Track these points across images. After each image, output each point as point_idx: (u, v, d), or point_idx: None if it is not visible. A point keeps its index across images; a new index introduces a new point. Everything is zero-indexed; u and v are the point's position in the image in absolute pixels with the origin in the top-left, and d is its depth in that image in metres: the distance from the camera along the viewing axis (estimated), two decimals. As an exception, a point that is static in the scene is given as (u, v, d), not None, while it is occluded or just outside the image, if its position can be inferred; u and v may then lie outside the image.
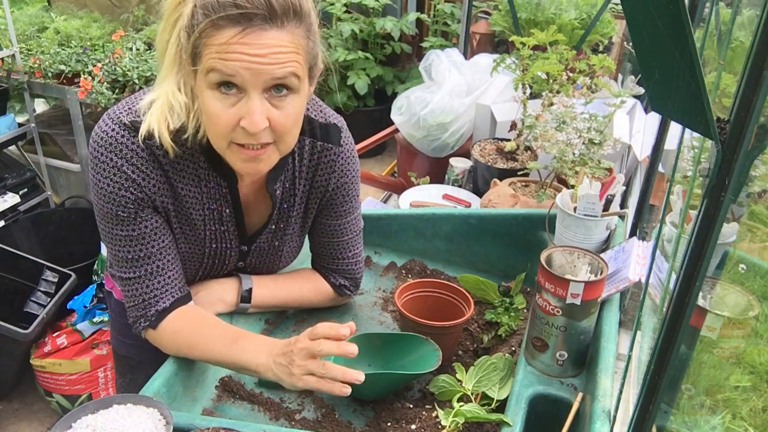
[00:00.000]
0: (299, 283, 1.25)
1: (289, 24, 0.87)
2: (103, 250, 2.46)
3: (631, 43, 2.51)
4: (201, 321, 1.07)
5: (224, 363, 1.05)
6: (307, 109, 1.10)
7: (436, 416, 1.02)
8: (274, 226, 1.16)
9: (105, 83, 2.61)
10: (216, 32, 0.85)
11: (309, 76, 0.96)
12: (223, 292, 1.18)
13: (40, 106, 3.52)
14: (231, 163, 0.98)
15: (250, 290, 1.19)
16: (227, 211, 1.09)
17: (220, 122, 0.90)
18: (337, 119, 1.15)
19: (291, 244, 1.21)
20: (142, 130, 0.96)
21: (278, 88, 0.90)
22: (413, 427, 1.02)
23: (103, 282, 2.41)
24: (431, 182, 1.95)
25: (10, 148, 2.88)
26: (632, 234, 1.55)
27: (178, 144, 0.98)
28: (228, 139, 0.92)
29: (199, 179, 1.04)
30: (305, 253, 1.31)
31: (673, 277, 0.60)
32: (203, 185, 1.05)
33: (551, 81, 1.70)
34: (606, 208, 1.26)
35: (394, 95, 3.33)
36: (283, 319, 1.29)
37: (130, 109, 1.00)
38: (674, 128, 1.40)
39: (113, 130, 0.98)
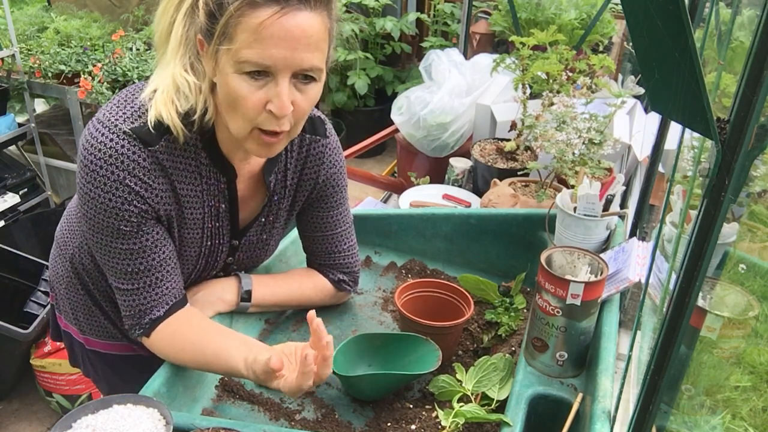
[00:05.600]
0: (299, 281, 1.25)
1: (319, 7, 0.89)
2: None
3: (631, 43, 2.51)
4: (190, 333, 1.05)
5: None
6: None
7: (436, 416, 1.02)
8: (263, 219, 1.16)
9: (105, 83, 2.61)
10: (251, 11, 0.85)
11: (326, 65, 0.97)
12: (222, 291, 1.18)
13: (40, 106, 3.52)
14: (246, 146, 0.97)
15: (250, 289, 1.19)
16: (223, 206, 1.09)
17: (248, 105, 0.90)
18: (319, 112, 1.17)
19: (276, 237, 1.22)
20: (150, 118, 0.94)
21: (305, 76, 0.91)
22: (413, 427, 1.02)
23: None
24: (431, 182, 1.95)
25: (10, 148, 2.88)
26: (632, 234, 1.55)
27: (186, 127, 0.96)
28: (253, 124, 0.92)
29: (200, 176, 1.04)
30: (303, 254, 1.31)
31: (673, 277, 0.60)
32: (204, 182, 1.05)
33: (551, 81, 1.70)
34: (606, 208, 1.26)
35: (394, 95, 3.33)
36: (283, 319, 1.29)
37: (125, 113, 0.96)
38: (674, 128, 1.40)
39: (112, 140, 0.93)
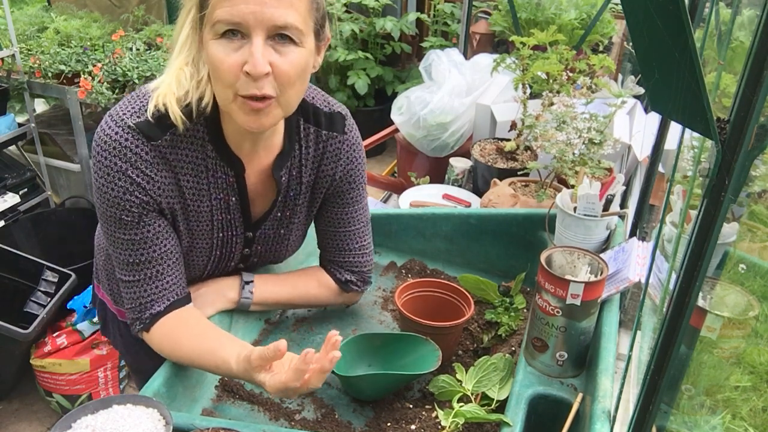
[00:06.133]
0: (303, 279, 1.25)
1: None
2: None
3: (631, 43, 2.51)
4: (187, 330, 1.05)
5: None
6: (312, 98, 1.11)
7: (436, 416, 1.02)
8: (279, 214, 1.16)
9: (105, 83, 2.61)
10: None
11: (316, 36, 0.96)
12: (225, 288, 1.18)
13: (40, 106, 3.52)
14: (235, 118, 0.96)
15: (251, 284, 1.19)
16: (234, 199, 1.10)
17: (224, 68, 0.90)
18: (341, 108, 1.16)
19: (297, 232, 1.21)
20: (150, 108, 0.97)
21: (281, 36, 0.91)
22: (413, 427, 1.02)
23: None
24: (431, 182, 1.95)
25: (10, 148, 2.88)
26: (632, 234, 1.55)
27: (186, 116, 0.98)
28: (233, 90, 0.92)
29: (206, 169, 1.05)
30: (309, 253, 1.31)
31: (673, 277, 0.60)
32: (210, 175, 1.05)
33: (551, 81, 1.70)
34: (606, 208, 1.26)
35: (394, 95, 3.33)
36: (283, 319, 1.29)
37: (133, 108, 0.99)
38: (674, 128, 1.40)
39: (117, 133, 0.97)
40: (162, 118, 0.98)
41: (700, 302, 0.92)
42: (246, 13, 0.87)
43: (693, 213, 0.58)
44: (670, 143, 1.45)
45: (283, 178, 1.12)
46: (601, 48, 2.53)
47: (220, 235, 1.12)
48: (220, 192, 1.08)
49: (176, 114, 0.97)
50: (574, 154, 1.47)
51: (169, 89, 0.97)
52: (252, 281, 1.19)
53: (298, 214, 1.18)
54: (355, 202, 1.20)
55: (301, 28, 0.92)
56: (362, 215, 1.23)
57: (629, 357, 0.98)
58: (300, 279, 1.25)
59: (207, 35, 0.92)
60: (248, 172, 1.09)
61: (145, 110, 0.99)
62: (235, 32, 0.89)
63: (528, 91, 1.77)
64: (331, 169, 1.15)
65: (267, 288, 1.21)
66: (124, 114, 0.99)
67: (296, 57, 0.93)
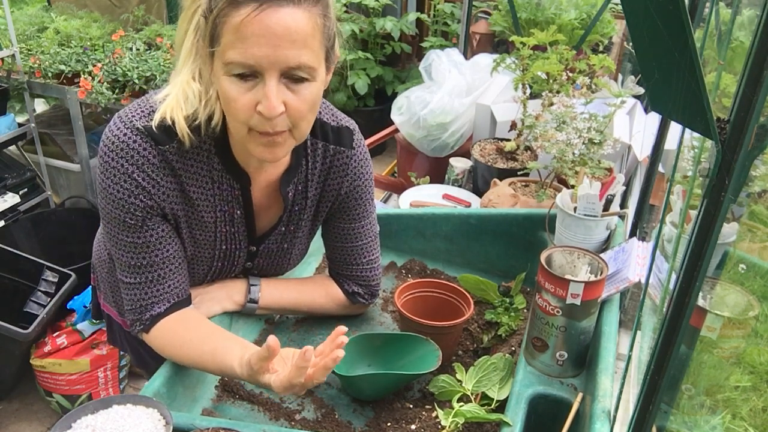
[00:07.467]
0: (310, 288, 1.25)
1: (306, 2, 0.87)
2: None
3: (631, 43, 2.51)
4: (189, 331, 1.05)
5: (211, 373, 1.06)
6: (320, 113, 1.10)
7: (436, 416, 1.02)
8: (284, 228, 1.16)
9: (105, 83, 2.61)
10: (233, 10, 0.85)
11: (326, 60, 0.95)
12: (232, 289, 1.18)
13: (40, 106, 3.52)
14: (250, 150, 0.96)
15: (258, 289, 1.19)
16: (238, 212, 1.09)
17: (238, 107, 0.90)
18: (349, 122, 1.15)
19: (300, 246, 1.21)
20: (156, 118, 0.96)
21: (294, 75, 0.90)
22: (413, 427, 1.02)
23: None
24: (431, 182, 1.95)
25: (10, 148, 2.88)
26: (632, 234, 1.55)
27: (193, 132, 0.98)
28: (247, 125, 0.92)
29: (212, 181, 1.04)
30: (310, 253, 1.31)
31: (673, 277, 0.60)
32: (216, 187, 1.05)
33: (551, 81, 1.70)
34: (606, 208, 1.26)
35: (394, 95, 3.33)
36: (283, 318, 1.29)
37: (143, 111, 0.99)
38: (674, 128, 1.40)
39: (125, 134, 0.96)
40: (168, 128, 0.97)
41: (700, 302, 0.92)
42: (259, 56, 0.86)
43: (693, 213, 0.58)
44: (670, 143, 1.45)
45: (290, 194, 1.11)
46: (601, 48, 2.53)
47: (223, 247, 1.12)
48: (225, 204, 1.07)
49: (184, 131, 0.96)
50: (574, 154, 1.47)
51: (177, 104, 0.96)
52: (258, 287, 1.19)
53: (302, 228, 1.17)
54: (362, 217, 1.19)
55: (314, 65, 0.90)
56: (369, 230, 1.22)
57: (629, 357, 0.98)
58: (307, 287, 1.25)
59: (219, 70, 0.90)
60: (254, 186, 1.08)
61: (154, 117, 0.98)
62: (249, 73, 0.88)
63: (528, 91, 1.77)
64: (338, 184, 1.14)
65: (273, 292, 1.20)
66: (134, 116, 0.98)
67: (309, 92, 0.92)
